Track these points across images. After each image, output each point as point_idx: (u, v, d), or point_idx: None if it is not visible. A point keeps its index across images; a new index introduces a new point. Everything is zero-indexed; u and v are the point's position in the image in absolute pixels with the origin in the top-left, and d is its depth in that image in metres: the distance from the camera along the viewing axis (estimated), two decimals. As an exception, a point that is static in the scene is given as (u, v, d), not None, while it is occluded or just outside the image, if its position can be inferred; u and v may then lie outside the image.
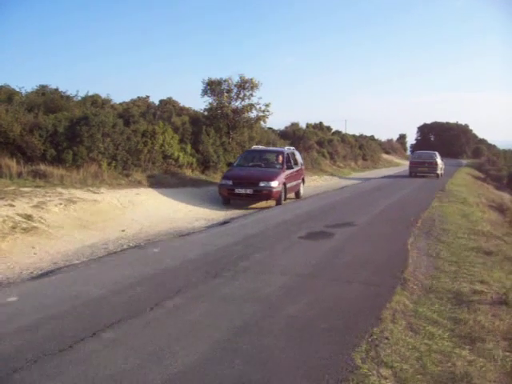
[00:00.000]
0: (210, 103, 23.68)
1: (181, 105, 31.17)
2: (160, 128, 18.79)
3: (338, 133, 54.52)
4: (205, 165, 20.97)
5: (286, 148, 19.17)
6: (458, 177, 30.27)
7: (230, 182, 15.45)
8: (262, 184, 15.19)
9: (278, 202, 15.64)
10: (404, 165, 56.42)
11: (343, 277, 6.22)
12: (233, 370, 3.60)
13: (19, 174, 13.64)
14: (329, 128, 55.07)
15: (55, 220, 10.58)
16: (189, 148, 20.67)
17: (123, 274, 6.79)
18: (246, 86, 23.39)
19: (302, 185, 18.99)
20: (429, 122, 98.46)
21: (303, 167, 20.30)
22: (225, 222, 11.96)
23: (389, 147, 73.04)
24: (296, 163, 18.31)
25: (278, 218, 12.06)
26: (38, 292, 6.07)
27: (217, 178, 18.96)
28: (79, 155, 15.26)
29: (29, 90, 20.87)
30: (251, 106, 23.65)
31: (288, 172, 16.72)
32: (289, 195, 16.98)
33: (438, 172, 29.18)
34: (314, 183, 26.73)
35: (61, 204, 11.47)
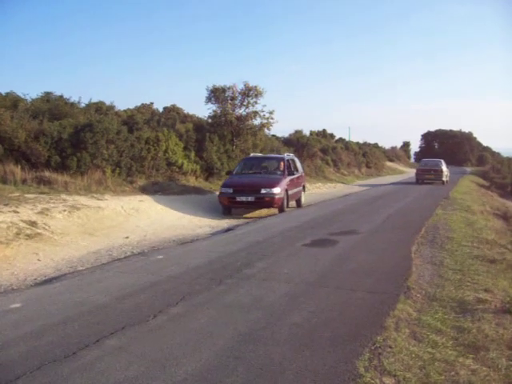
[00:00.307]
0: (213, 110, 23.75)
1: (185, 112, 31.24)
2: (164, 135, 18.84)
3: (341, 140, 54.61)
4: (208, 172, 21.01)
5: (286, 155, 18.88)
6: (462, 184, 30.21)
7: (231, 190, 15.10)
8: (263, 191, 14.86)
9: (281, 210, 15.27)
10: (408, 172, 56.38)
11: (347, 285, 6.21)
12: (236, 378, 3.60)
13: (24, 181, 13.69)
14: (332, 135, 55.14)
15: (59, 226, 10.61)
16: (193, 155, 20.72)
17: (127, 280, 6.81)
18: (250, 93, 23.46)
19: (302, 192, 18.68)
20: (433, 129, 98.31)
21: (303, 174, 20.03)
22: (229, 230, 11.97)
23: (392, 155, 72.99)
24: (296, 170, 18.06)
25: (281, 225, 12.06)
26: (42, 298, 6.08)
27: (220, 185, 18.55)
28: (83, 162, 15.31)
29: (34, 96, 20.96)
30: (255, 113, 23.71)
31: (289, 178, 16.39)
32: (290, 203, 16.68)
33: (444, 179, 30.33)
34: (318, 190, 26.74)
35: (65, 211, 11.51)
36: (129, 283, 6.62)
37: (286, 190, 15.63)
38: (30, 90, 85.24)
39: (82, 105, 21.52)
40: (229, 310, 5.26)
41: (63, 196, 12.99)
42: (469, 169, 65.79)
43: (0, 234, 9.07)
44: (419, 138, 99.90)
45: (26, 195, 12.28)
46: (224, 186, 15.58)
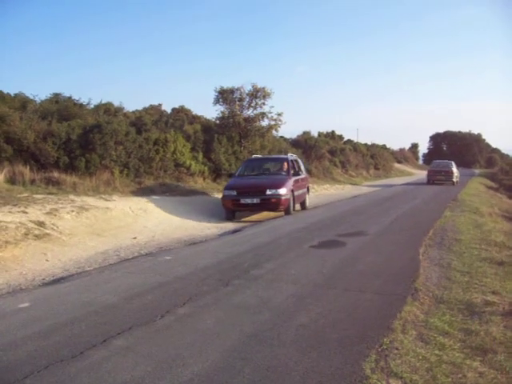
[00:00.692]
0: (221, 112, 23.78)
1: (193, 113, 31.29)
2: (172, 136, 18.89)
3: (349, 142, 54.56)
4: (216, 173, 21.04)
5: (289, 155, 18.24)
6: (470, 186, 30.12)
7: (234, 193, 14.49)
8: (269, 192, 14.25)
9: (287, 212, 14.75)
10: (416, 174, 56.27)
11: (354, 286, 6.20)
12: (243, 378, 3.60)
13: (32, 181, 13.77)
14: (341, 137, 55.06)
15: (68, 227, 10.65)
16: (200, 156, 20.77)
17: (135, 281, 6.83)
18: (258, 94, 23.46)
19: (307, 194, 18.20)
20: (441, 130, 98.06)
21: (307, 176, 19.69)
22: (236, 231, 11.98)
23: (401, 156, 72.84)
24: (300, 171, 17.59)
25: (289, 227, 12.06)
26: (50, 298, 6.11)
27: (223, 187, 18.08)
28: (92, 163, 15.39)
29: (43, 97, 21.08)
30: (263, 114, 23.71)
31: (294, 179, 15.82)
32: (295, 205, 16.06)
33: (454, 180, 31.69)
34: (326, 192, 26.72)
35: (73, 211, 11.56)
36: (136, 284, 6.64)
37: (292, 191, 15.09)
38: (38, 90, 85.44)
39: (91, 106, 21.63)
40: (236, 311, 5.26)
41: (71, 197, 13.05)
42: (477, 170, 65.55)
43: (9, 234, 9.12)
44: (427, 139, 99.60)
45: (35, 196, 12.34)
46: (227, 188, 15.00)
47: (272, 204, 14.38)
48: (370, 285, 6.24)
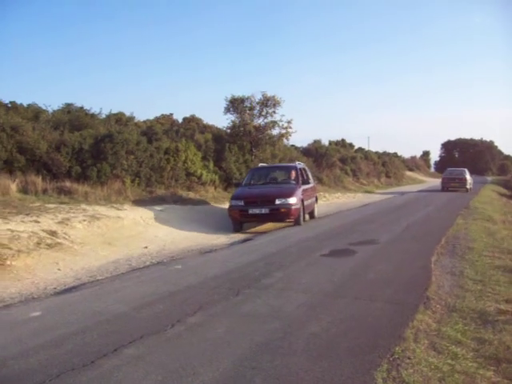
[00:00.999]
0: (232, 121, 23.84)
1: (204, 122, 31.45)
2: (183, 145, 18.96)
3: (360, 150, 54.53)
4: (227, 182, 21.06)
5: (297, 163, 17.57)
6: (483, 194, 29.94)
7: (242, 203, 13.88)
8: (278, 202, 13.63)
9: (297, 222, 14.10)
10: (428, 182, 56.04)
11: (365, 295, 6.16)
12: (253, 388, 3.59)
13: (44, 191, 13.86)
14: (351, 145, 55.09)
15: (79, 236, 10.71)
16: (211, 165, 20.81)
17: (146, 290, 6.84)
18: (268, 103, 23.50)
19: (315, 204, 17.58)
20: (453, 138, 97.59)
21: (315, 184, 19.27)
22: (246, 240, 11.98)
23: (412, 164, 72.65)
24: (309, 179, 16.91)
25: (299, 235, 12.04)
26: (61, 307, 6.14)
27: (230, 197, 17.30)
28: (103, 172, 15.48)
29: (55, 108, 21.29)
30: (274, 123, 23.73)
31: (303, 188, 15.22)
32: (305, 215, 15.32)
33: (467, 187, 32.34)
34: (337, 200, 26.66)
35: (85, 220, 11.61)
36: (147, 293, 6.66)
37: (302, 201, 14.47)
38: (49, 97, 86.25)
39: (102, 116, 21.80)
40: (246, 319, 5.25)
41: (83, 206, 13.12)
42: (490, 178, 65.10)
43: (21, 244, 9.18)
44: (439, 147, 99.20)
45: (47, 205, 12.43)
46: (234, 198, 14.41)
47: (282, 214, 13.78)
48: (381, 293, 6.20)
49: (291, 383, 3.65)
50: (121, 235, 11.81)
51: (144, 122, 26.46)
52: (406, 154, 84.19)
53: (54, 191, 14.04)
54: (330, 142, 47.81)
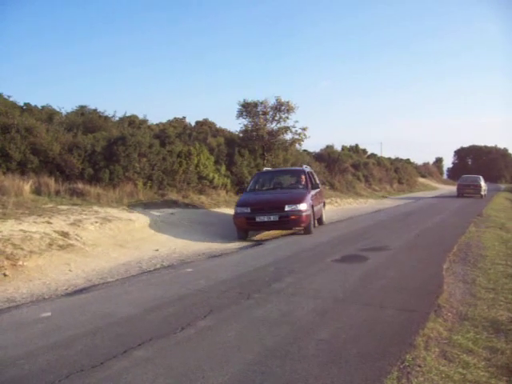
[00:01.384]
0: (245, 125, 23.84)
1: (217, 126, 31.50)
2: (195, 149, 19.00)
3: (373, 156, 54.33)
4: (239, 186, 21.07)
5: (305, 166, 16.78)
6: (496, 201, 29.69)
7: (248, 210, 13.01)
8: (287, 208, 12.79)
9: (308, 230, 13.31)
10: (441, 189, 55.72)
11: (376, 301, 6.12)
12: (262, 392, 3.57)
13: (57, 192, 13.95)
14: (364, 151, 54.93)
15: (91, 238, 10.75)
16: (223, 169, 20.84)
17: (156, 293, 6.85)
18: (282, 108, 23.48)
19: (323, 209, 16.91)
20: (466, 145, 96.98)
21: (322, 189, 18.65)
22: (257, 244, 11.95)
23: (425, 171, 72.31)
24: (317, 183, 15.89)
25: (310, 241, 11.99)
26: (72, 308, 6.16)
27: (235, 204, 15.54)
28: (115, 174, 15.55)
29: (69, 110, 21.43)
30: (287, 128, 23.70)
31: (313, 193, 14.47)
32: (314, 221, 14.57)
33: (482, 193, 33.45)
34: (349, 206, 26.59)
35: (97, 222, 11.66)
36: (157, 295, 6.66)
37: (312, 207, 13.70)
38: (62, 98, 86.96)
39: (116, 118, 21.91)
40: (256, 324, 5.22)
41: (95, 208, 13.18)
42: (503, 185, 64.57)
43: (33, 244, 9.23)
44: (452, 153, 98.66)
45: (59, 206, 12.50)
46: (240, 205, 13.46)
47: (292, 221, 12.94)
48: (391, 300, 6.15)
49: (301, 389, 3.62)
50: (132, 237, 11.85)
51: (157, 124, 26.56)
52: (418, 160, 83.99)
53: (66, 193, 14.12)
54: (343, 148, 47.78)
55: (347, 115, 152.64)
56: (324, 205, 17.49)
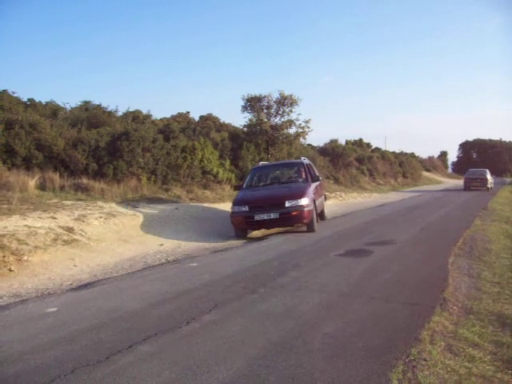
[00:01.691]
0: (249, 119, 23.83)
1: (221, 121, 31.48)
2: (200, 144, 18.99)
3: (377, 150, 54.15)
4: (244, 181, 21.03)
5: (303, 158, 15.68)
6: (501, 195, 29.55)
7: (246, 208, 12.20)
8: (288, 204, 12.00)
9: (310, 227, 12.46)
10: (445, 183, 55.58)
11: (381, 295, 6.11)
12: (268, 387, 3.57)
13: (62, 188, 13.98)
14: (368, 145, 54.76)
15: (95, 233, 10.77)
16: (227, 164, 20.84)
17: (161, 287, 6.86)
18: (285, 102, 23.44)
19: (324, 203, 16.04)
20: (471, 138, 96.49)
21: (323, 181, 17.69)
22: (261, 239, 11.93)
23: (429, 164, 72.07)
24: (318, 176, 14.87)
25: (314, 235, 11.95)
26: (77, 303, 6.18)
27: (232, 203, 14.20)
28: (120, 169, 15.56)
29: (73, 105, 21.46)
30: (290, 122, 23.67)
31: (314, 186, 13.58)
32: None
33: (488, 186, 34.66)
34: (353, 200, 26.54)
35: (101, 217, 11.68)
36: (162, 290, 6.67)
37: (314, 201, 12.84)
38: (67, 94, 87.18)
39: (119, 113, 21.93)
40: (261, 318, 5.22)
41: (100, 203, 13.20)
42: (508, 179, 64.29)
43: (38, 240, 9.25)
44: (457, 147, 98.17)
45: (64, 202, 12.52)
46: (237, 203, 12.61)
47: (293, 218, 12.14)
48: (397, 294, 6.14)
49: (306, 383, 3.62)
50: (136, 233, 11.86)
51: (161, 119, 26.57)
52: (423, 154, 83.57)
53: (71, 188, 14.15)
54: (347, 142, 47.66)
55: (351, 109, 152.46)
56: (325, 198, 16.80)
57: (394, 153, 55.94)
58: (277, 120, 23.71)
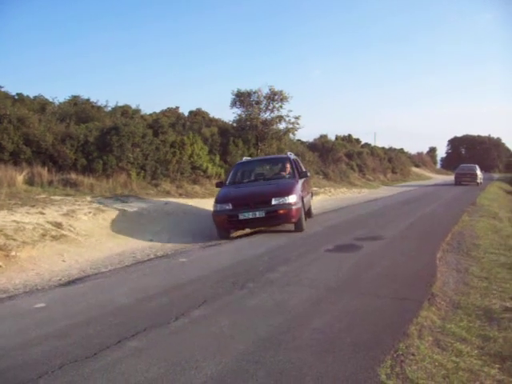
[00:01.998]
0: (238, 115, 23.82)
1: (210, 116, 31.40)
2: (189, 139, 18.96)
3: (367, 145, 54.30)
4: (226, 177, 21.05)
5: (289, 153, 14.76)
6: (489, 191, 29.78)
7: (229, 206, 11.32)
8: (274, 202, 11.21)
9: (299, 226, 11.65)
10: (434, 178, 55.89)
11: (370, 290, 6.13)
12: (256, 382, 3.56)
13: (50, 183, 13.91)
14: (358, 140, 54.90)
15: (84, 228, 10.72)
16: (217, 159, 20.84)
17: (150, 283, 6.85)
18: (275, 97, 23.45)
19: (311, 200, 15.42)
20: (460, 134, 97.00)
21: (310, 177, 16.81)
22: (252, 234, 11.93)
23: (419, 160, 72.39)
24: (305, 171, 14.08)
25: (304, 230, 11.96)
26: (65, 299, 6.16)
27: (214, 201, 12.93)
28: (109, 164, 15.51)
29: (61, 100, 21.33)
30: (280, 117, 23.69)
31: (301, 182, 12.78)
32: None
33: (478, 181, 36.12)
34: (343, 196, 26.61)
35: (90, 212, 11.63)
36: (151, 285, 6.66)
37: (302, 198, 12.08)
38: (55, 92, 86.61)
39: (109, 108, 21.84)
40: (250, 314, 5.23)
41: (88, 198, 13.13)
42: (496, 175, 64.73)
43: (26, 235, 9.19)
44: (446, 143, 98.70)
45: (53, 197, 12.46)
46: (219, 201, 11.71)
47: (281, 217, 11.38)
48: (385, 289, 6.17)
49: (294, 378, 3.63)
50: (126, 228, 11.81)
51: (150, 115, 26.45)
52: (412, 149, 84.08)
53: (59, 183, 14.08)
54: (337, 137, 47.72)
55: (340, 105, 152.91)
56: (312, 195, 16.25)
57: (383, 148, 56.16)
58: (266, 115, 23.73)
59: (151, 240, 11.09)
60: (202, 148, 19.73)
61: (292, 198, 11.34)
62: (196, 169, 19.23)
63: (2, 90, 19.87)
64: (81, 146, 15.50)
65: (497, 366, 3.97)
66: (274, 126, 23.86)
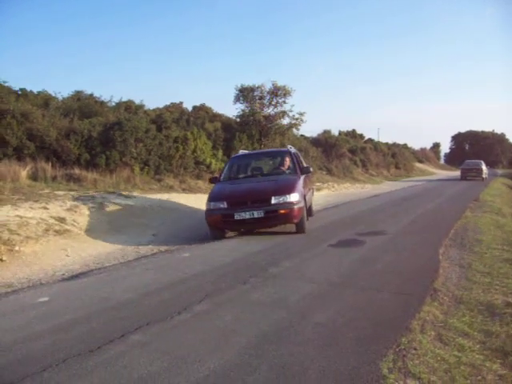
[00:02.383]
0: (242, 110, 23.80)
1: (214, 111, 31.37)
2: (193, 134, 18.96)
3: (370, 141, 54.21)
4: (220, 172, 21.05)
5: (289, 147, 13.36)
6: (493, 187, 29.70)
7: (224, 205, 10.20)
8: (274, 200, 10.07)
9: (300, 227, 10.58)
10: (438, 174, 55.76)
11: (372, 285, 6.13)
12: (258, 376, 3.58)
13: (54, 178, 13.93)
14: (361, 136, 54.81)
15: (88, 223, 10.74)
16: (220, 154, 20.84)
17: (153, 277, 6.86)
18: (278, 92, 23.43)
19: (312, 197, 14.39)
20: (463, 130, 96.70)
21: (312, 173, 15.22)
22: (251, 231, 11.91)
23: (422, 156, 72.23)
24: (307, 166, 12.75)
25: (308, 225, 11.95)
26: (69, 293, 6.18)
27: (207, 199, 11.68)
28: (112, 159, 15.53)
29: (65, 95, 21.33)
30: (284, 113, 23.67)
31: (303, 178, 11.56)
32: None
33: (483, 176, 37.03)
34: (346, 191, 26.58)
35: (93, 207, 11.64)
36: (154, 280, 6.68)
37: (304, 196, 10.94)
38: (60, 88, 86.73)
39: (112, 103, 21.84)
40: (253, 308, 5.24)
41: (92, 193, 13.15)
42: (500, 171, 64.53)
43: (30, 230, 9.22)
44: (449, 139, 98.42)
45: (56, 192, 12.49)
46: (213, 199, 10.57)
47: (281, 217, 10.20)
48: (388, 284, 6.17)
49: (297, 372, 3.64)
50: (129, 223, 11.84)
51: (153, 110, 26.43)
52: (415, 145, 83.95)
53: (63, 178, 14.11)
54: (340, 133, 47.69)
55: (344, 100, 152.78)
56: (313, 192, 15.32)
57: (386, 144, 56.08)
58: (270, 110, 23.71)
59: (154, 235, 11.10)
60: (205, 143, 19.73)
61: (294, 197, 10.26)
62: (199, 164, 19.25)
63: (6, 85, 19.86)
64: (84, 141, 15.53)
65: (499, 360, 3.98)
66: (278, 122, 23.84)
